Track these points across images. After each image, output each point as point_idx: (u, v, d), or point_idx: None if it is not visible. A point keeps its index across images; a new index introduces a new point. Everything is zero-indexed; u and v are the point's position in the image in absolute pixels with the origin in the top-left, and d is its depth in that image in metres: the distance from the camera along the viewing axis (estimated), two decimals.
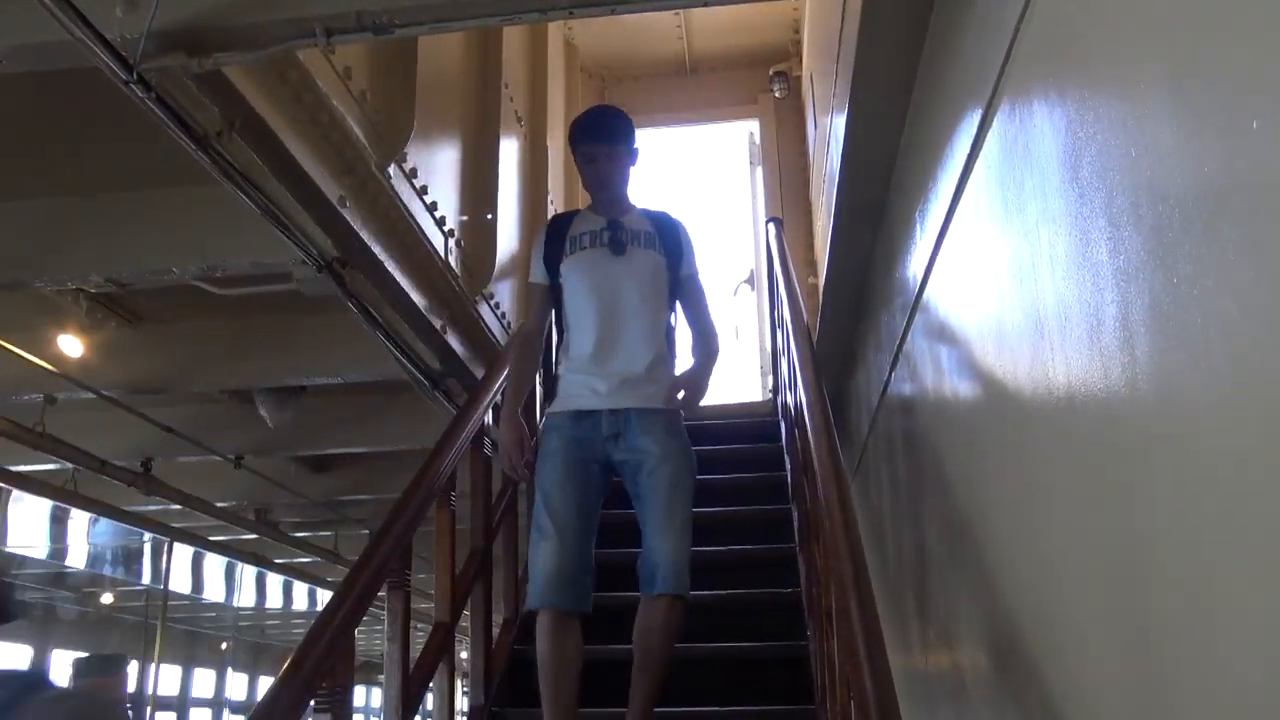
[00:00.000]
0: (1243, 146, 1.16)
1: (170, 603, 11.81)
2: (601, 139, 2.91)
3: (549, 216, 3.08)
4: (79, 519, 10.41)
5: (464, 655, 3.45)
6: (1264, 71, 1.11)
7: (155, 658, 11.29)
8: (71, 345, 5.16)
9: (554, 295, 2.96)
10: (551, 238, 2.97)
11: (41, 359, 5.08)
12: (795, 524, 4.11)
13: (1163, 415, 1.46)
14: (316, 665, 2.19)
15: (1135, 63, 1.51)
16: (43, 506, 10.15)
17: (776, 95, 7.58)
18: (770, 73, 7.60)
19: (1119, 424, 1.63)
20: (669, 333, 2.97)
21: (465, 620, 3.42)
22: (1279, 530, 1.12)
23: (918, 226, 3.30)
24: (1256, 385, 1.16)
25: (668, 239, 2.97)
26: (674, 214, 3.08)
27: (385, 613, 2.82)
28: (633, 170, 3.05)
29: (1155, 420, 1.49)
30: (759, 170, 7.76)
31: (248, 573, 14.23)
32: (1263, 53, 1.11)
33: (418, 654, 3.03)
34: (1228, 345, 1.23)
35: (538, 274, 2.98)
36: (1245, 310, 1.18)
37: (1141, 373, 1.52)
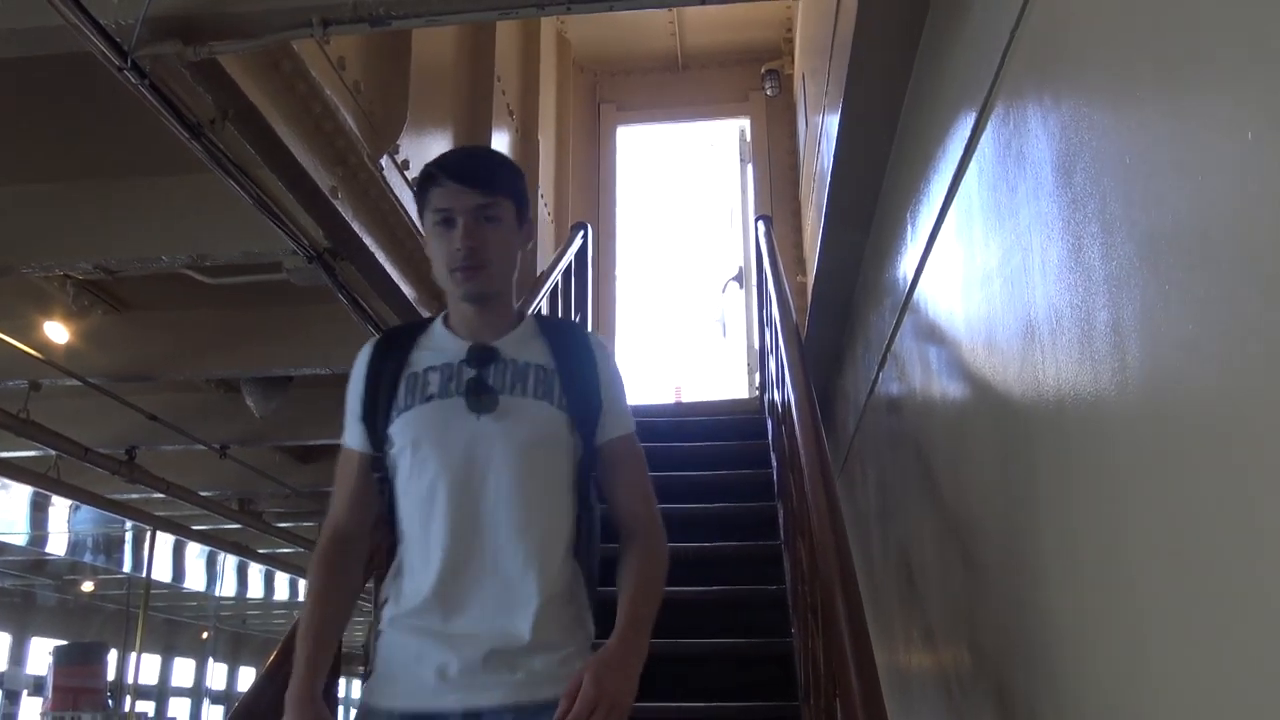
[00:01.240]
0: (1238, 156, 1.17)
1: (151, 591, 11.78)
2: (475, 182, 1.67)
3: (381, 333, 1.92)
4: (59, 506, 10.37)
5: None
6: (1260, 83, 1.12)
7: (137, 646, 11.25)
8: (58, 332, 5.13)
9: (383, 475, 1.69)
10: (377, 371, 1.73)
11: (27, 345, 5.06)
12: (781, 521, 4.13)
13: (1153, 420, 1.48)
14: None
15: (1130, 71, 1.53)
16: (23, 493, 10.10)
17: (768, 94, 7.60)
18: (762, 71, 7.62)
19: (1109, 428, 1.64)
20: (580, 542, 1.71)
21: None
22: (1270, 533, 1.14)
23: (909, 227, 3.31)
24: (1247, 392, 1.18)
25: (575, 375, 1.72)
26: (585, 329, 1.89)
27: (371, 605, 2.81)
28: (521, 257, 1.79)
29: (1145, 425, 1.50)
30: (749, 168, 7.78)
31: (229, 562, 14.20)
32: (1260, 64, 1.12)
33: None
34: (1220, 352, 1.25)
35: (353, 436, 1.73)
36: (1238, 318, 1.19)
37: (1132, 378, 1.53)
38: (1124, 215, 1.53)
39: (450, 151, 1.81)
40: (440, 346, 1.73)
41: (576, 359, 1.75)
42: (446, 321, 1.77)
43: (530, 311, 2.23)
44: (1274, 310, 1.10)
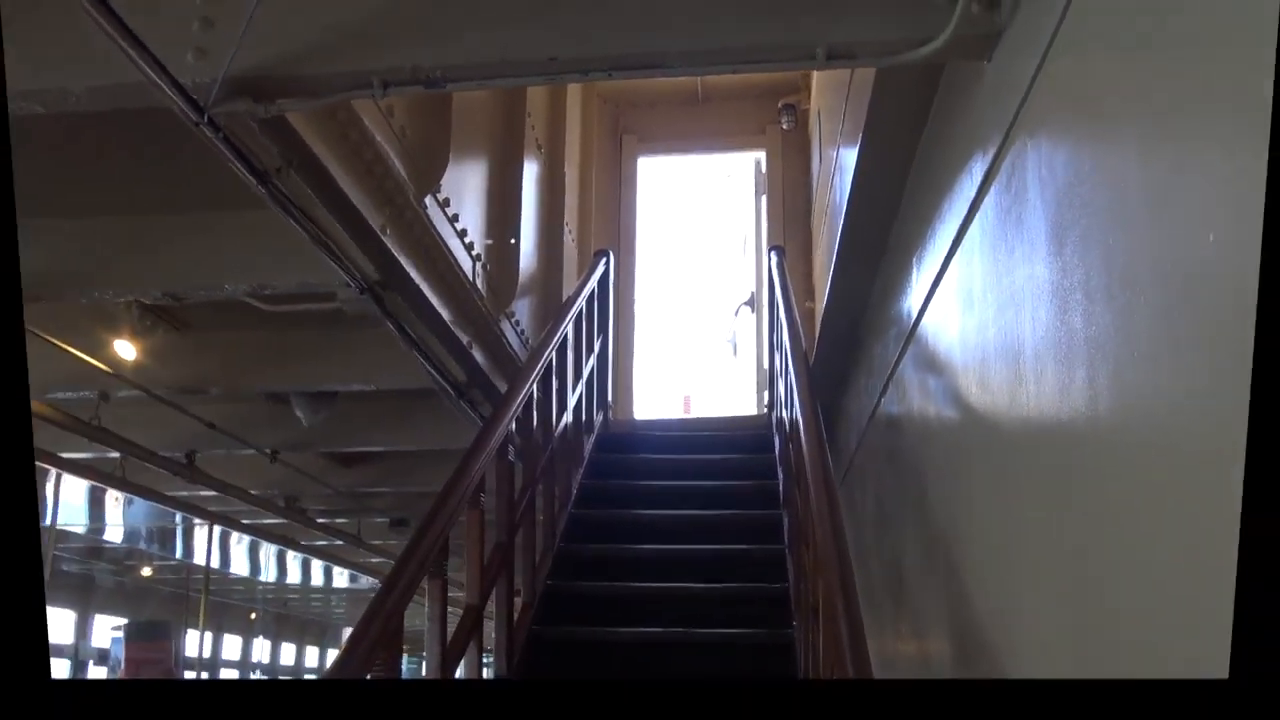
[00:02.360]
0: (1200, 255, 1.26)
1: (200, 575, 12.21)
2: None
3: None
4: (112, 499, 10.58)
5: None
6: (1222, 194, 1.20)
7: (200, 626, 12.19)
8: (126, 349, 5.25)
9: None
10: None
11: (97, 360, 5.18)
12: (785, 528, 4.19)
13: (1116, 460, 1.60)
14: (374, 642, 2.28)
15: (1119, 163, 1.61)
16: (82, 487, 10.29)
17: (784, 127, 7.55)
18: (779, 105, 7.58)
19: (1081, 464, 1.76)
20: None
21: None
22: (1202, 542, 1.23)
23: (914, 270, 3.39)
24: (1192, 445, 1.28)
25: None
26: None
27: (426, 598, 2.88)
28: None
29: (1113, 465, 1.62)
30: (763, 198, 7.82)
31: (270, 551, 14.43)
32: (1222, 179, 1.20)
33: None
34: (1174, 412, 1.36)
35: None
36: (1191, 388, 1.29)
37: (1102, 426, 1.64)
38: (1105, 289, 1.61)
39: None
40: None
41: None
42: None
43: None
44: (1217, 386, 1.19)
